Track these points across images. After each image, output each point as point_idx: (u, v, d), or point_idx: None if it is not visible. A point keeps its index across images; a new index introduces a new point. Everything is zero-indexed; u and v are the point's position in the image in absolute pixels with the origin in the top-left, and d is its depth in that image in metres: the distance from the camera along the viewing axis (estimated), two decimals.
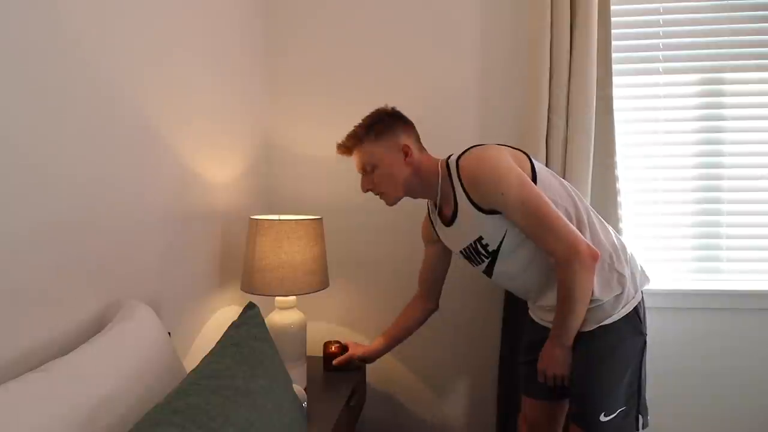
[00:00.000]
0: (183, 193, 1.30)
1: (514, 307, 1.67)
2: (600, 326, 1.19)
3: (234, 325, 0.91)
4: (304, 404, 1.10)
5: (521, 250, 1.22)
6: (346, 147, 1.32)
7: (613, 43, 1.59)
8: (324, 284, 1.45)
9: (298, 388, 1.10)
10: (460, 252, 1.35)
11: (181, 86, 1.29)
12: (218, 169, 1.49)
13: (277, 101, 1.87)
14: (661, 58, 1.73)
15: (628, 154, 1.74)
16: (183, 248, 1.30)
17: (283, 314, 1.43)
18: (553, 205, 1.15)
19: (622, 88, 1.71)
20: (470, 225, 1.25)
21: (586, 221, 1.22)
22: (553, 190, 1.21)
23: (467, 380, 1.85)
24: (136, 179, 1.10)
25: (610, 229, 1.29)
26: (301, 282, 1.37)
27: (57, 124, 0.88)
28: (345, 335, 1.86)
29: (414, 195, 1.34)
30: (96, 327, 0.95)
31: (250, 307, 0.95)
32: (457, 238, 1.33)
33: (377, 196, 1.35)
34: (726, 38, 1.70)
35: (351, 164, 1.88)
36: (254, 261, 1.36)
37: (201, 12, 1.39)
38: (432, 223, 1.42)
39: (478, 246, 1.27)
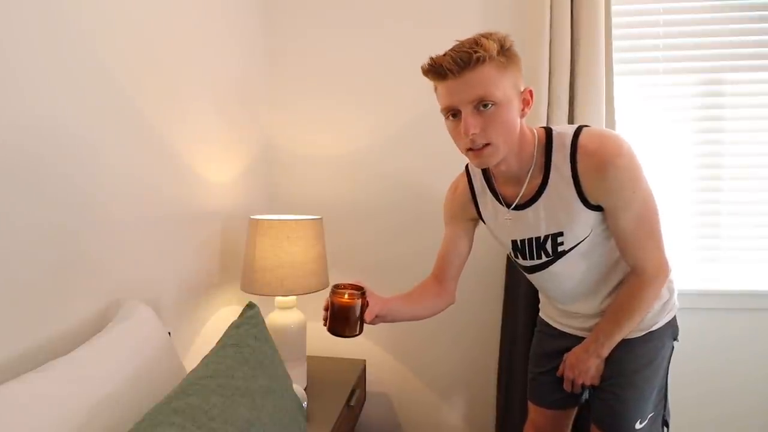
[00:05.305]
0: (183, 193, 1.30)
1: (513, 310, 1.67)
2: (647, 332, 1.13)
3: (234, 325, 0.91)
4: (304, 404, 1.10)
5: (591, 256, 1.09)
6: (463, 61, 0.90)
7: (614, 43, 1.59)
8: (324, 284, 1.45)
9: (298, 388, 1.10)
10: (512, 241, 1.15)
11: (182, 86, 1.29)
12: (218, 169, 1.49)
13: (277, 101, 1.87)
14: (661, 58, 1.74)
15: None
16: (183, 248, 1.30)
17: (283, 314, 1.43)
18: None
19: (622, 88, 1.71)
20: (556, 216, 1.04)
21: None
22: None
23: (467, 381, 1.85)
24: (136, 179, 1.10)
25: None
26: (301, 282, 1.37)
27: (57, 124, 0.88)
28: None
29: (500, 165, 1.03)
30: (96, 327, 0.95)
31: (250, 307, 0.95)
32: (521, 225, 1.10)
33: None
34: (726, 38, 1.70)
35: (351, 164, 1.90)
36: (254, 261, 1.36)
37: (200, 11, 1.39)
38: (474, 196, 1.20)
39: (548, 242, 1.08)
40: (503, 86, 0.93)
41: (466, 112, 0.93)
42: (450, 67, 0.91)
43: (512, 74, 0.95)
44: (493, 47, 0.90)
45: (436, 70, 0.93)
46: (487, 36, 0.92)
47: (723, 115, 1.73)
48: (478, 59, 0.89)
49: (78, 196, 0.93)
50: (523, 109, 0.99)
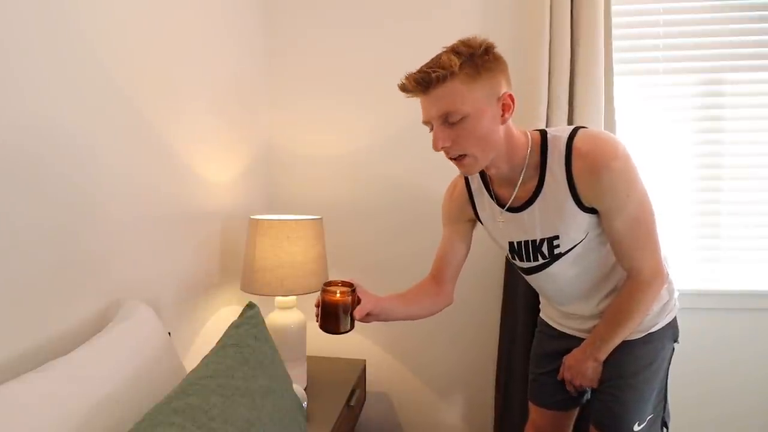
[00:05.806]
0: (183, 193, 1.30)
1: (513, 310, 1.67)
2: (647, 334, 1.13)
3: (234, 325, 0.91)
4: (304, 404, 1.10)
5: (588, 258, 1.08)
6: (424, 81, 0.92)
7: (614, 43, 1.59)
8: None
9: (298, 388, 1.10)
10: (509, 243, 1.15)
11: (181, 86, 1.29)
12: (218, 169, 1.49)
13: (277, 101, 1.87)
14: (661, 58, 1.74)
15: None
16: (183, 248, 1.30)
17: (283, 314, 1.43)
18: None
19: (622, 88, 1.71)
20: (551, 219, 1.04)
21: None
22: None
23: (466, 381, 1.85)
24: (135, 179, 1.10)
25: None
26: (301, 282, 1.37)
27: (56, 124, 0.88)
28: (345, 335, 1.85)
29: (489, 169, 1.04)
30: (96, 327, 0.95)
31: (250, 307, 0.95)
32: (517, 228, 1.10)
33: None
34: (726, 38, 1.70)
35: (351, 164, 1.91)
36: (254, 261, 1.36)
37: (200, 11, 1.39)
38: (471, 198, 1.19)
39: (544, 245, 1.08)
40: (471, 98, 0.92)
41: (436, 126, 0.96)
42: (413, 89, 0.95)
43: (485, 82, 0.93)
44: (455, 63, 0.90)
45: (404, 89, 0.97)
46: (455, 49, 0.93)
47: (723, 115, 1.73)
48: (437, 78, 0.91)
49: (77, 196, 0.93)
50: (503, 115, 0.97)
